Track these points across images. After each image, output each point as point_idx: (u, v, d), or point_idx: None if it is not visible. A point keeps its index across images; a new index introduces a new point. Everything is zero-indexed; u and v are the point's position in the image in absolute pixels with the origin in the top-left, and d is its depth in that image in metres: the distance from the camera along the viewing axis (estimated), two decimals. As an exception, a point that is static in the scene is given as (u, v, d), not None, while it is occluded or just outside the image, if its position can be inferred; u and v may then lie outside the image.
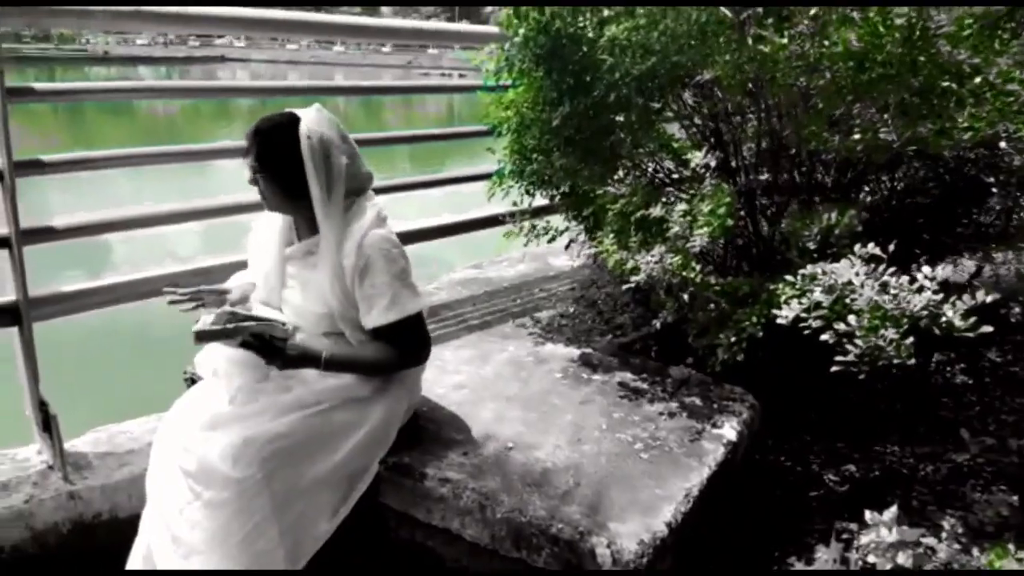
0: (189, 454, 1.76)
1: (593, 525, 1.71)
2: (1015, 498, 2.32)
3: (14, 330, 2.01)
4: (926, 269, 1.83)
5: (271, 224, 2.03)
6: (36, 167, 1.98)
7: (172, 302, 1.96)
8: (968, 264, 3.01)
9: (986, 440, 2.62)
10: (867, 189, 2.41)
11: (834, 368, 1.77)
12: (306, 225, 1.94)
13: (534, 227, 2.78)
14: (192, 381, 2.45)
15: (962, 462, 2.56)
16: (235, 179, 2.01)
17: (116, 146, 2.29)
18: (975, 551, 2.11)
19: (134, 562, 1.84)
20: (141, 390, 2.36)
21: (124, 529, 1.96)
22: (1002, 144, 2.17)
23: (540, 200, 2.87)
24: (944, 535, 2.17)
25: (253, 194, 1.92)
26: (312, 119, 1.85)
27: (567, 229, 2.86)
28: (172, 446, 1.82)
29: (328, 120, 1.88)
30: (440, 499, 1.85)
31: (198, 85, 2.06)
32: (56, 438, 2.00)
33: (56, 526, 1.98)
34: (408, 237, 2.90)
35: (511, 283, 3.37)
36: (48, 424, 2.00)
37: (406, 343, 1.91)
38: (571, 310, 3.00)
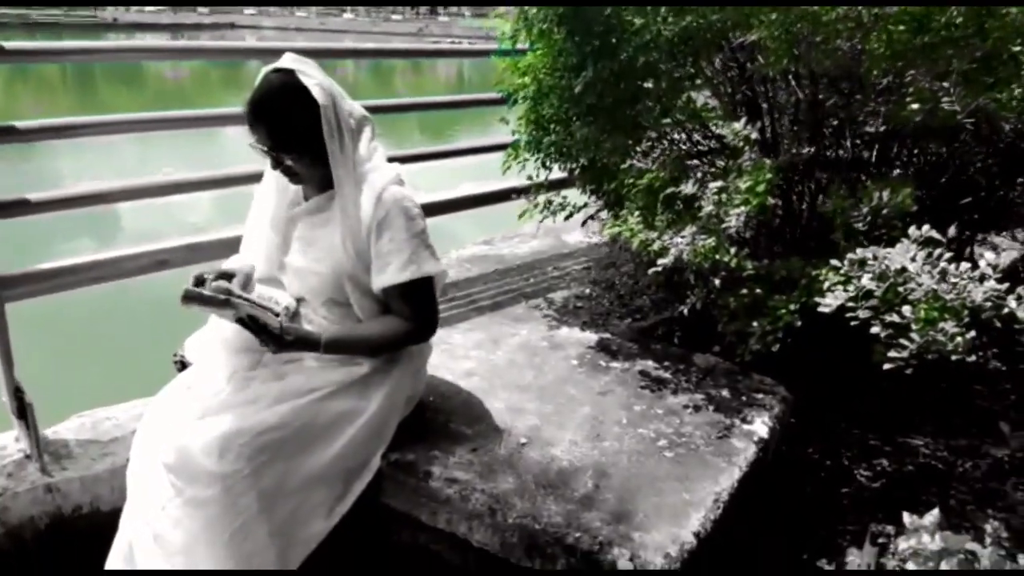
0: (171, 446, 1.61)
1: (614, 534, 1.55)
2: (1064, 500, 2.17)
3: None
4: (989, 255, 1.65)
5: (270, 190, 1.85)
6: (8, 133, 1.80)
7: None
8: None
9: (1031, 435, 2.45)
10: (916, 164, 2.20)
11: (887, 365, 1.60)
12: (317, 183, 1.76)
13: (550, 203, 2.59)
14: (183, 365, 2.29)
15: (1002, 457, 2.40)
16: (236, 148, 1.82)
17: (126, 111, 2.12)
18: (1021, 558, 1.96)
19: (114, 560, 1.70)
20: (130, 372, 2.20)
21: (106, 523, 1.82)
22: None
23: (556, 174, 2.67)
24: (988, 539, 2.02)
25: (249, 166, 1.74)
26: (306, 70, 1.66)
27: (585, 205, 2.67)
28: (155, 437, 1.67)
29: (312, 62, 1.70)
30: (447, 501, 1.69)
31: (168, 46, 1.89)
32: (32, 427, 1.85)
33: (32, 521, 1.84)
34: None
35: (523, 261, 3.19)
36: (23, 411, 1.85)
37: (415, 311, 1.75)
38: (587, 291, 2.82)
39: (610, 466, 1.78)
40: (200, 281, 1.63)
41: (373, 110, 1.91)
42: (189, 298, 1.55)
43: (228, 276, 1.69)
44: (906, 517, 1.89)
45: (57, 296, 2.04)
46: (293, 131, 1.64)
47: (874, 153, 2.17)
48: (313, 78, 1.63)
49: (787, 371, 2.31)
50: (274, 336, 1.61)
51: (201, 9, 55.65)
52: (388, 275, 1.70)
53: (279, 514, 1.61)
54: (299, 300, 1.79)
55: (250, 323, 1.59)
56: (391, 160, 1.84)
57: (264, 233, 1.86)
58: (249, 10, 56.26)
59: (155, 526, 1.60)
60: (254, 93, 1.65)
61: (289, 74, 1.64)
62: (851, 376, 2.41)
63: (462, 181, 3.18)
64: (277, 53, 1.74)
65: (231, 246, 2.06)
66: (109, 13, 50.35)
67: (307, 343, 1.68)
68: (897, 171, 2.20)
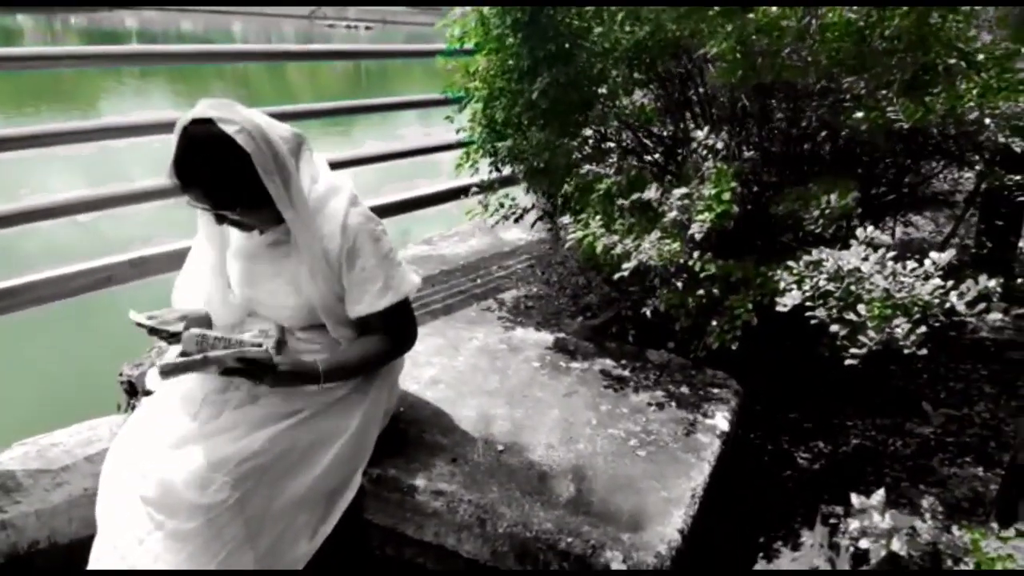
0: (149, 480, 1.54)
1: (605, 537, 1.60)
2: (982, 471, 2.36)
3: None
4: (933, 255, 1.77)
5: (204, 232, 1.75)
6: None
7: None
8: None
9: (952, 412, 2.66)
10: (845, 161, 2.34)
11: (849, 361, 1.70)
12: (269, 217, 1.67)
13: (501, 205, 2.60)
14: (130, 385, 2.19)
15: (929, 435, 2.59)
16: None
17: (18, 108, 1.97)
18: (955, 530, 2.12)
19: None
20: (68, 395, 2.08)
21: (66, 556, 1.73)
22: (987, 120, 2.13)
23: (496, 173, 2.69)
24: (927, 513, 2.17)
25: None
26: (230, 116, 1.51)
27: (533, 207, 2.69)
28: (126, 470, 1.60)
29: (229, 103, 1.57)
30: (433, 514, 1.70)
31: (52, 52, 1.73)
32: (-20, 461, 1.73)
33: (-14, 561, 1.73)
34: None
35: (467, 261, 3.19)
36: (-31, 445, 1.73)
37: (396, 331, 1.74)
38: (535, 290, 2.86)
39: (588, 469, 1.82)
40: (171, 334, 1.57)
41: (310, 114, 1.87)
42: (167, 373, 1.45)
43: (191, 321, 1.63)
44: (854, 498, 2.02)
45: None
46: (229, 187, 1.53)
47: (807, 154, 2.28)
48: (234, 123, 1.49)
49: (732, 364, 2.42)
50: (266, 368, 1.53)
51: (73, -13, 52.05)
52: (365, 304, 1.67)
53: (264, 541, 1.58)
54: (283, 328, 1.74)
55: (240, 367, 1.49)
56: (335, 165, 1.79)
57: (217, 278, 1.78)
58: (127, -11, 52.97)
59: (132, 561, 1.53)
60: (177, 154, 1.50)
61: (208, 123, 1.49)
62: (788, 367, 2.55)
63: (391, 182, 3.15)
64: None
65: (175, 259, 1.98)
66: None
67: (305, 375, 1.62)
68: (838, 172, 2.32)
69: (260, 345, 1.54)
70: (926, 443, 2.54)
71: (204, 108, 1.51)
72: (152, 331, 1.61)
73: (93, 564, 1.61)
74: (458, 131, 2.68)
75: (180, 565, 1.51)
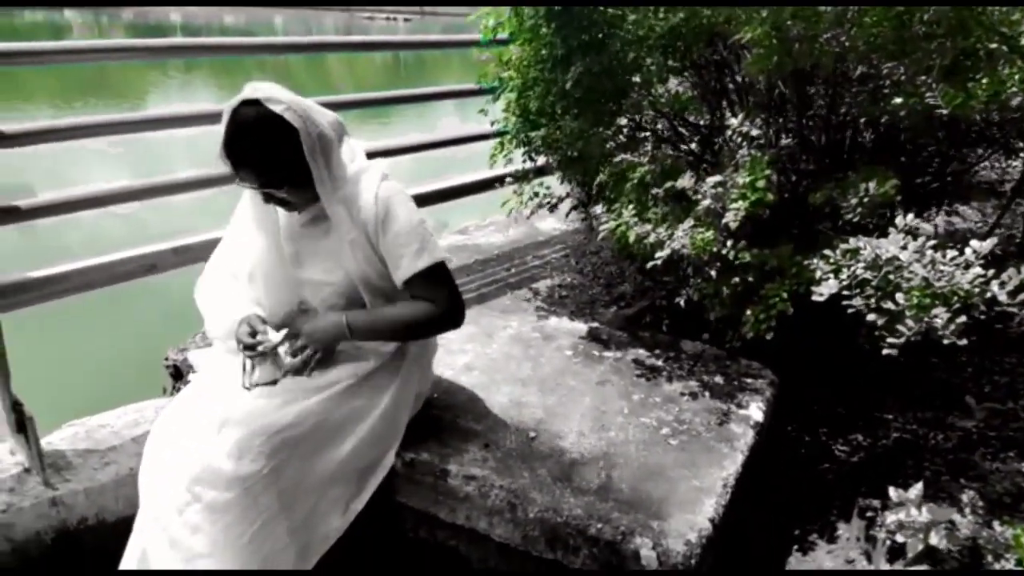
0: (192, 454, 1.59)
1: (635, 524, 1.61)
2: (1028, 467, 2.31)
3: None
4: (974, 243, 1.74)
5: (253, 215, 1.80)
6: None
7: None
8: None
9: (995, 406, 2.60)
10: (888, 149, 2.29)
11: (886, 351, 1.68)
12: (304, 196, 1.72)
13: (536, 194, 2.61)
14: (176, 368, 2.26)
15: (971, 428, 2.54)
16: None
17: (45, 101, 2.03)
18: (996, 525, 2.09)
19: (128, 561, 1.67)
20: (116, 378, 2.16)
21: (113, 534, 1.80)
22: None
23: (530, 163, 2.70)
24: (967, 508, 2.14)
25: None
26: (277, 96, 1.58)
27: (567, 196, 2.70)
28: (168, 446, 1.65)
29: (274, 86, 1.63)
30: (465, 498, 1.72)
31: (99, 45, 1.81)
32: (32, 440, 1.81)
33: (39, 535, 1.80)
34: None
35: (501, 250, 3.21)
36: (23, 426, 1.80)
37: (442, 295, 1.75)
38: (570, 280, 2.86)
39: (619, 456, 1.83)
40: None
41: (348, 105, 1.88)
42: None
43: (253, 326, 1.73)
44: (892, 492, 2.00)
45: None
46: (280, 165, 1.60)
47: (857, 143, 2.24)
48: (281, 103, 1.57)
49: (768, 355, 2.40)
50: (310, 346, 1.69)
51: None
52: (404, 267, 1.70)
53: (298, 512, 1.62)
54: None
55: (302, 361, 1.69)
56: (372, 155, 1.84)
57: (261, 254, 1.82)
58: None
59: (172, 532, 1.59)
60: (228, 134, 1.57)
61: (257, 105, 1.56)
62: (826, 358, 2.51)
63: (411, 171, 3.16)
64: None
65: (215, 247, 2.02)
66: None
67: (333, 330, 1.72)
68: (878, 160, 2.28)
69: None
70: (968, 437, 2.49)
71: (251, 90, 1.58)
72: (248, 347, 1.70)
73: (135, 536, 1.68)
74: (492, 123, 2.70)
75: (217, 535, 1.56)
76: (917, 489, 2.00)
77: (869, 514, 2.11)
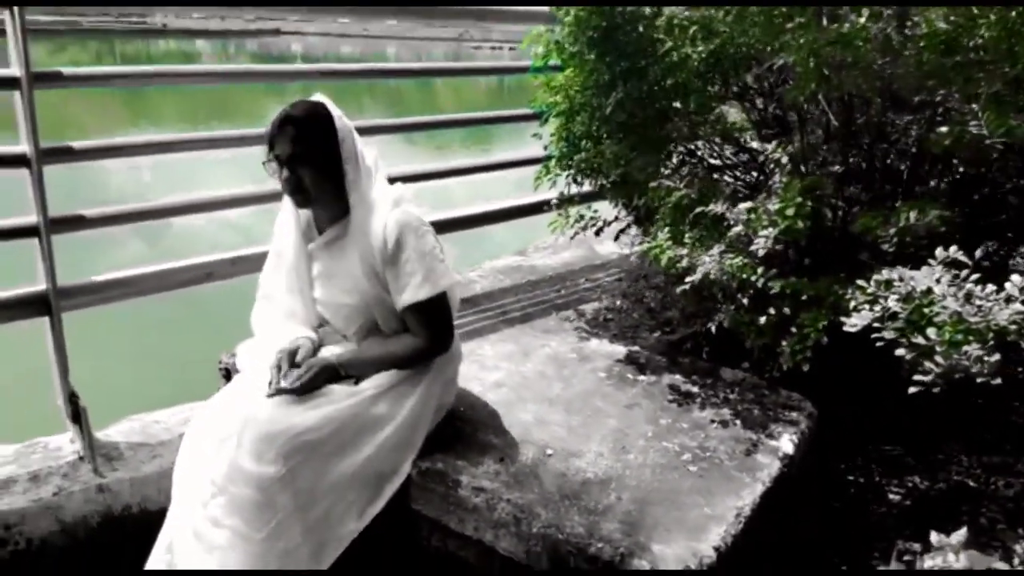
0: (220, 452, 1.70)
1: (634, 546, 1.59)
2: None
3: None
4: (1015, 278, 1.65)
5: (287, 233, 1.96)
6: (65, 154, 1.92)
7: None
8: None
9: (1066, 454, 2.44)
10: (948, 183, 2.21)
11: (912, 389, 1.61)
12: (327, 215, 1.88)
13: (582, 217, 2.64)
14: (227, 371, 2.39)
15: (1035, 476, 2.39)
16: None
17: (174, 122, 2.23)
18: (1050, 579, 1.95)
19: (157, 554, 1.79)
20: (176, 379, 2.31)
21: (152, 523, 1.90)
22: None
23: (588, 188, 2.73)
24: (1018, 559, 2.01)
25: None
26: (332, 105, 1.83)
27: (616, 219, 2.71)
28: (203, 440, 1.76)
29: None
30: (474, 509, 1.75)
31: (216, 70, 2.02)
32: (86, 430, 1.96)
33: (85, 519, 1.94)
34: (450, 224, 2.80)
35: (555, 272, 3.24)
36: (78, 416, 1.95)
37: (429, 327, 1.85)
38: (618, 303, 2.86)
39: (633, 479, 1.82)
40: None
41: (409, 127, 1.97)
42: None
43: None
44: (933, 536, 1.90)
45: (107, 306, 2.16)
46: (315, 144, 1.77)
47: (904, 172, 2.17)
48: (336, 112, 1.81)
49: (813, 386, 2.33)
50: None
51: (247, 15, 56.64)
52: (407, 295, 1.79)
53: (313, 513, 1.69)
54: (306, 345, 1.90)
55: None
56: (421, 178, 1.95)
57: (287, 280, 1.97)
58: (294, 16, 57.15)
59: (196, 524, 1.69)
60: (286, 114, 1.79)
61: (319, 102, 1.81)
62: (882, 393, 2.41)
63: (499, 192, 3.25)
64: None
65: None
66: (159, 19, 51.52)
67: (327, 370, 1.81)
68: (927, 190, 2.20)
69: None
70: (1032, 485, 2.35)
71: (318, 96, 1.85)
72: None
73: (166, 526, 1.79)
74: (545, 147, 2.75)
75: (235, 529, 1.65)
76: (960, 534, 1.89)
77: (907, 558, 2.01)
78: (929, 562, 1.89)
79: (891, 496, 2.36)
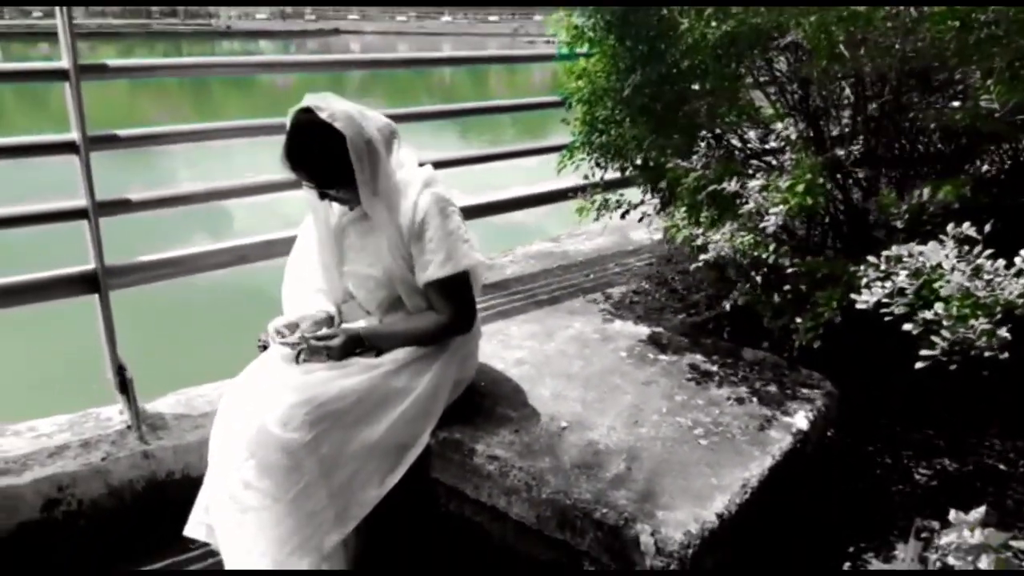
0: (249, 417, 1.80)
1: (639, 512, 1.65)
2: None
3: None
4: (1024, 252, 1.65)
5: (319, 208, 2.02)
6: (111, 141, 2.06)
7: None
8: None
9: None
10: (970, 163, 2.19)
11: (919, 364, 1.63)
12: (357, 196, 1.93)
13: (606, 201, 2.69)
14: (264, 347, 2.52)
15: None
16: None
17: (237, 117, 2.38)
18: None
19: (196, 515, 1.91)
20: (221, 356, 2.45)
21: (193, 488, 2.03)
22: None
23: (614, 174, 2.77)
24: (1038, 537, 1.99)
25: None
26: (325, 106, 1.79)
27: (641, 202, 2.75)
28: (236, 409, 1.87)
29: (330, 96, 1.84)
30: (488, 476, 1.83)
31: (260, 60, 2.13)
32: (132, 400, 2.10)
33: (131, 483, 2.09)
34: (478, 210, 2.88)
35: (586, 257, 3.29)
36: (125, 387, 2.10)
37: (451, 305, 1.91)
38: (644, 286, 2.90)
39: (644, 451, 1.87)
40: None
41: (438, 115, 2.04)
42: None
43: (295, 325, 1.96)
44: (952, 513, 1.90)
45: (156, 285, 2.31)
46: (329, 168, 1.81)
47: (921, 150, 2.16)
48: (328, 111, 1.77)
49: (839, 367, 2.33)
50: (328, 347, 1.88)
51: (308, 15, 57.84)
52: (429, 272, 1.87)
53: (338, 478, 1.79)
54: (331, 316, 2.02)
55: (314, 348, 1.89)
56: (459, 162, 2.01)
57: (319, 255, 2.06)
58: (352, 15, 58.12)
59: (230, 486, 1.80)
60: (287, 141, 1.80)
61: (310, 112, 1.79)
62: (905, 373, 2.40)
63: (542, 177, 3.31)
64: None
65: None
66: (223, 21, 53.01)
67: (353, 340, 1.91)
68: (953, 168, 2.18)
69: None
70: (1061, 467, 2.31)
71: (307, 99, 1.82)
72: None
73: (203, 490, 1.91)
74: (572, 133, 2.80)
75: (266, 490, 1.75)
76: (978, 512, 1.89)
77: (925, 535, 2.02)
78: (945, 539, 1.89)
79: (917, 477, 2.35)
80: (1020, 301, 1.60)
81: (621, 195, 2.73)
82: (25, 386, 4.15)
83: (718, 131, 2.35)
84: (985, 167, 2.40)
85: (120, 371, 2.11)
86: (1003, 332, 1.61)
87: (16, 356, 4.49)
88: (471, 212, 2.85)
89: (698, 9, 2.04)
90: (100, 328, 2.13)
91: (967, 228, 1.74)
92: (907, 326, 1.70)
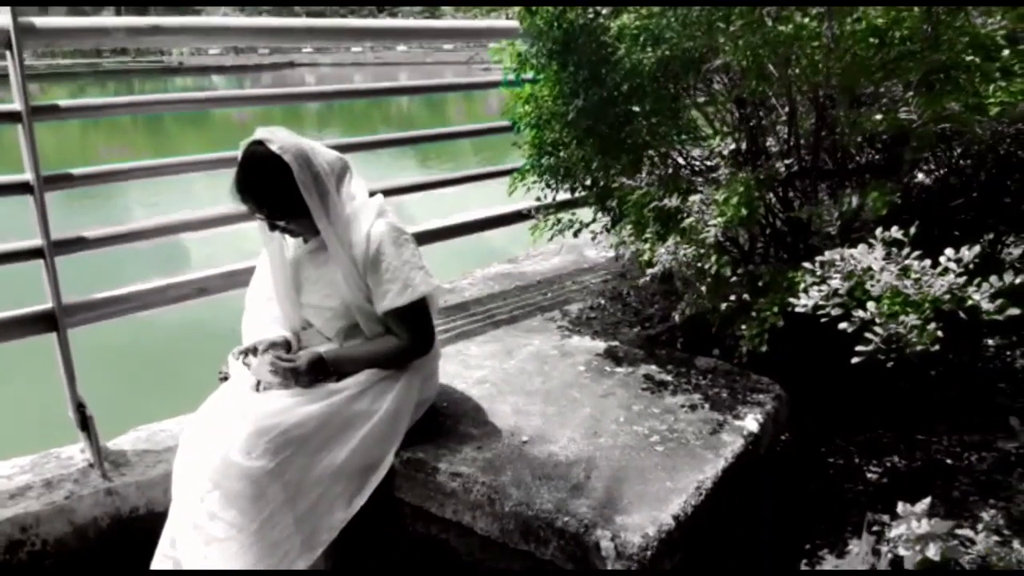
0: (212, 447, 1.82)
1: (599, 518, 1.70)
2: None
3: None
4: (949, 251, 1.75)
5: (274, 242, 2.07)
6: (65, 180, 2.09)
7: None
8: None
9: (1039, 428, 2.50)
10: (901, 172, 2.31)
11: (855, 359, 1.71)
12: (310, 229, 1.98)
13: (559, 221, 2.77)
14: (225, 379, 2.54)
15: (1010, 450, 2.46)
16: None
17: (192, 151, 2.40)
18: (1016, 543, 2.03)
19: (162, 549, 1.92)
20: (181, 390, 2.47)
21: (158, 522, 2.04)
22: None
23: (565, 195, 2.86)
24: (983, 527, 2.09)
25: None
26: (275, 138, 1.84)
27: (593, 221, 2.83)
28: (198, 440, 1.89)
29: (280, 129, 1.90)
30: (452, 493, 1.87)
31: (210, 96, 2.16)
32: (93, 437, 2.11)
33: (95, 520, 2.08)
34: (432, 235, 2.94)
35: (544, 277, 3.36)
36: (86, 424, 2.10)
37: (411, 330, 1.97)
38: (600, 302, 2.98)
39: (603, 460, 1.93)
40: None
41: (391, 143, 2.09)
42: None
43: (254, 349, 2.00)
44: (900, 506, 1.99)
45: (114, 323, 2.32)
46: (277, 199, 1.85)
47: (856, 161, 2.28)
48: (277, 143, 1.82)
49: (789, 372, 2.42)
50: (294, 370, 1.91)
51: (262, 50, 57.77)
52: (387, 301, 1.92)
53: (303, 504, 1.81)
54: (288, 341, 2.06)
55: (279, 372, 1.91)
56: (401, 191, 2.07)
57: (277, 276, 2.09)
58: (307, 49, 58.21)
59: (195, 518, 1.82)
60: (236, 172, 1.85)
61: (260, 144, 1.84)
62: (855, 375, 2.50)
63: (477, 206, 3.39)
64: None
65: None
66: (175, 58, 52.71)
67: (316, 363, 1.93)
68: (886, 178, 2.30)
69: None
70: (1006, 459, 2.42)
71: (258, 132, 1.87)
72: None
73: (168, 524, 1.92)
74: (523, 157, 2.88)
75: (231, 521, 1.77)
76: (924, 503, 1.98)
77: (876, 528, 2.10)
78: (895, 530, 1.98)
79: (868, 475, 2.44)
80: (947, 297, 1.70)
81: (573, 215, 2.81)
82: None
83: (662, 150, 2.45)
84: (920, 176, 2.54)
85: (80, 408, 2.11)
86: (931, 327, 1.70)
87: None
88: (427, 237, 2.92)
89: (632, 36, 2.14)
90: (59, 366, 2.13)
91: (895, 232, 1.85)
92: (843, 325, 1.79)
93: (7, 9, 1.83)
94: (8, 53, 1.86)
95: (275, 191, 1.84)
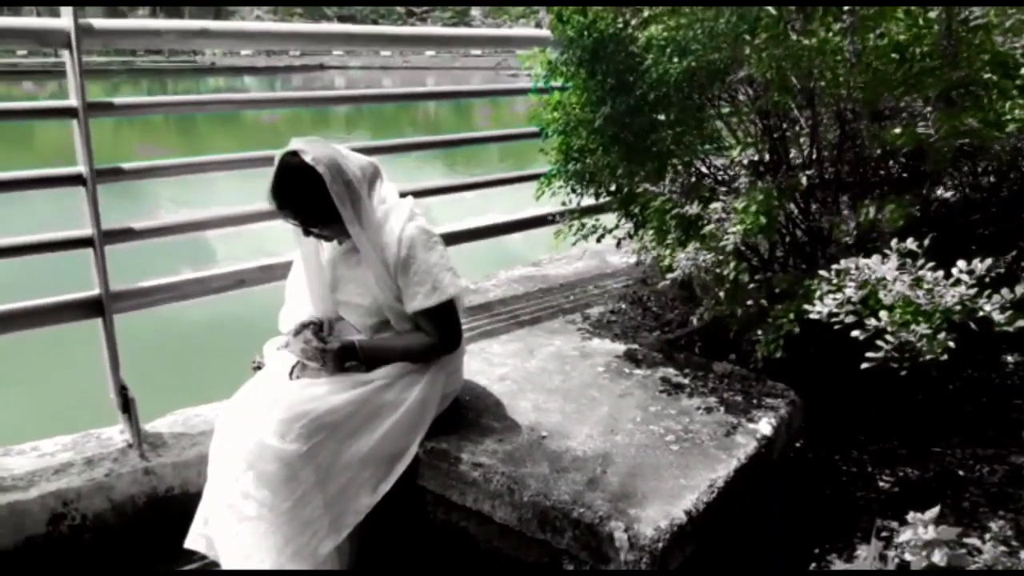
0: (247, 431, 1.92)
1: (613, 510, 1.77)
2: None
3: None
4: (961, 263, 1.80)
5: (310, 242, 2.15)
6: (116, 174, 2.20)
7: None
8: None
9: (1052, 443, 2.53)
10: (922, 186, 2.36)
11: (864, 365, 1.77)
12: (344, 231, 2.07)
13: (583, 226, 2.84)
14: (259, 368, 2.64)
15: (1022, 464, 2.49)
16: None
17: (221, 150, 2.51)
18: (1023, 554, 2.07)
19: (195, 526, 2.02)
20: (216, 378, 2.57)
21: (192, 502, 2.14)
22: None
23: (590, 200, 2.93)
24: (990, 536, 2.13)
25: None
26: (309, 149, 1.91)
27: (616, 227, 2.91)
28: (233, 424, 1.98)
29: (315, 140, 1.97)
30: (473, 482, 1.95)
31: (251, 98, 2.25)
32: (134, 419, 2.21)
33: (133, 498, 2.19)
34: (456, 237, 3.02)
35: (567, 280, 3.44)
36: (127, 406, 2.21)
37: (440, 330, 2.05)
38: (621, 306, 3.05)
39: (618, 456, 2.00)
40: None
41: (417, 147, 2.17)
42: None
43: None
44: (910, 514, 2.04)
45: (158, 310, 2.43)
46: (311, 208, 1.94)
47: (879, 174, 2.33)
48: (311, 154, 1.89)
49: (806, 378, 2.47)
50: (325, 351, 2.00)
51: (293, 52, 58.43)
52: (417, 302, 2.01)
53: (332, 487, 1.90)
54: (321, 323, 2.16)
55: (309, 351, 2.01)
56: (431, 193, 2.15)
57: (312, 275, 2.19)
58: (337, 51, 58.78)
59: (229, 497, 1.91)
60: (272, 182, 1.93)
61: (295, 155, 1.91)
62: (872, 384, 2.55)
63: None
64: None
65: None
66: (208, 58, 53.45)
67: (348, 350, 2.03)
68: (908, 191, 2.35)
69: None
70: (1017, 472, 2.45)
71: (293, 143, 1.95)
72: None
73: (202, 504, 2.02)
74: (550, 163, 2.96)
75: (263, 499, 1.86)
76: (933, 511, 2.03)
77: (884, 534, 2.14)
78: (903, 537, 2.02)
79: (880, 483, 2.48)
80: (958, 308, 1.75)
81: (597, 220, 2.89)
82: (26, 409, 4.26)
83: (686, 158, 2.51)
84: (940, 190, 2.58)
85: (123, 391, 2.22)
86: (941, 337, 1.75)
87: (19, 380, 4.61)
88: (455, 238, 3.01)
89: (659, 47, 2.21)
90: (104, 350, 2.24)
91: (910, 243, 1.90)
92: (855, 333, 1.85)
93: (69, 10, 1.94)
94: (67, 52, 1.98)
95: (309, 200, 1.92)
